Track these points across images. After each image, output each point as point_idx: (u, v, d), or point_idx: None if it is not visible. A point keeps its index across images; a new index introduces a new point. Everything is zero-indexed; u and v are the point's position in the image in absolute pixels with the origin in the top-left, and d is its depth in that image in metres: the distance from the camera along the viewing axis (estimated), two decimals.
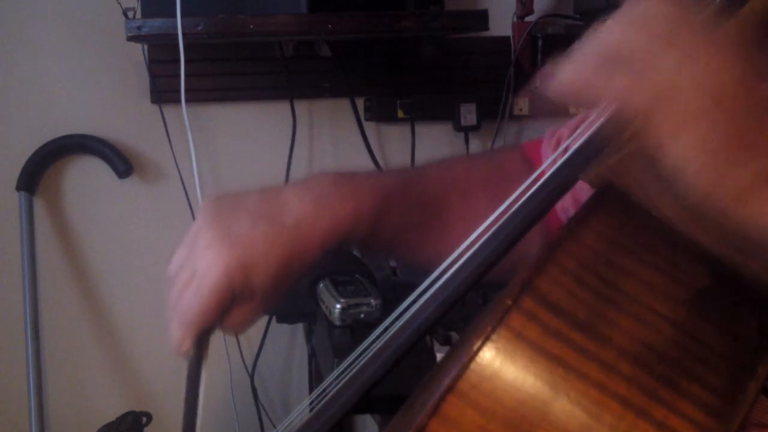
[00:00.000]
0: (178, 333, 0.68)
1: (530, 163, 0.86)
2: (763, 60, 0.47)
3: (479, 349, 0.42)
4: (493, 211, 0.55)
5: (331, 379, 0.64)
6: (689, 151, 0.45)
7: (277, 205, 0.69)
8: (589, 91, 0.48)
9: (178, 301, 0.68)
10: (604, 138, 0.49)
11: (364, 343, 0.64)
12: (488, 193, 0.81)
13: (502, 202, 0.55)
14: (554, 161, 0.53)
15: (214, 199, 0.72)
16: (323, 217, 0.69)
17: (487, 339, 0.42)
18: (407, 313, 0.59)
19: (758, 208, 0.45)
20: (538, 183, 0.52)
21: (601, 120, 0.49)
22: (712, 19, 0.47)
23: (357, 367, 0.60)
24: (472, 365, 0.42)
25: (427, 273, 0.59)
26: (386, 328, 0.60)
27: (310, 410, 0.64)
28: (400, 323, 0.58)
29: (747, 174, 0.45)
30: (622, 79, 0.46)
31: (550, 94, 0.49)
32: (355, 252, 1.60)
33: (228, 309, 0.68)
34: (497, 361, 0.42)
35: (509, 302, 0.42)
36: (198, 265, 0.67)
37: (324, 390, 0.64)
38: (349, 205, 0.70)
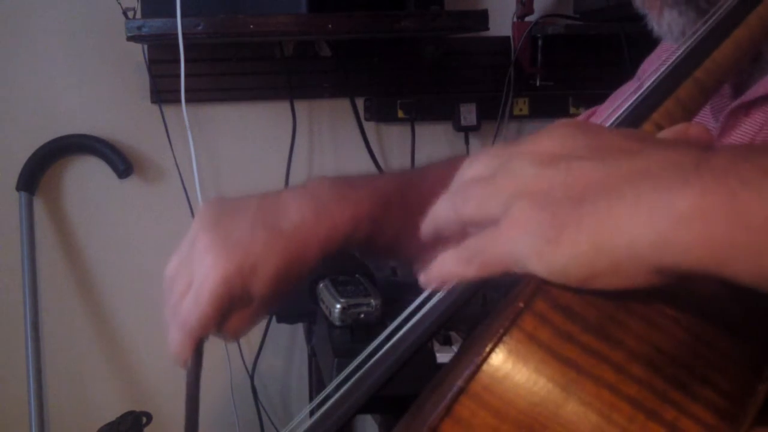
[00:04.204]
0: (178, 340, 0.67)
1: None
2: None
3: (491, 350, 0.42)
4: None
5: (333, 386, 0.64)
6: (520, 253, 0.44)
7: (275, 211, 0.68)
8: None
9: (176, 307, 0.66)
10: None
11: (366, 349, 0.64)
12: None
13: None
14: None
15: (212, 202, 0.71)
16: (322, 222, 0.68)
17: (499, 341, 0.42)
18: (413, 317, 0.59)
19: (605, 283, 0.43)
20: None
21: None
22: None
23: (362, 372, 0.60)
24: (485, 367, 0.42)
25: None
26: (389, 333, 0.60)
27: (310, 416, 0.64)
28: (407, 327, 0.58)
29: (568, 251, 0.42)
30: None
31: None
32: (355, 253, 1.59)
33: (227, 314, 0.67)
34: (509, 363, 0.42)
35: (521, 305, 0.43)
36: (196, 270, 0.66)
37: (326, 396, 0.64)
38: (348, 211, 0.69)
